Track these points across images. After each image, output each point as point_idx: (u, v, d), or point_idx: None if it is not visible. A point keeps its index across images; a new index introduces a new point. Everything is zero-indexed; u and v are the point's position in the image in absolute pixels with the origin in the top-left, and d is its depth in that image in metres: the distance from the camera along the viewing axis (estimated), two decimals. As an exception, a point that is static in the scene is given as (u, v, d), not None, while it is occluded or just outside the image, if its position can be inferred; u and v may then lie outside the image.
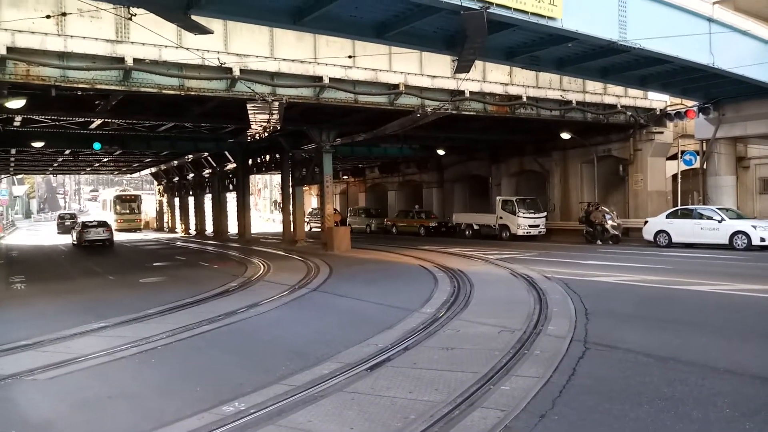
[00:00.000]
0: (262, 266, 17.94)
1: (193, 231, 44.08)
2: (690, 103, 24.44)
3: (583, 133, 26.93)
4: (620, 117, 24.83)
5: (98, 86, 14.41)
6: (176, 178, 47.66)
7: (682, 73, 19.01)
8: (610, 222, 23.50)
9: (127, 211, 52.66)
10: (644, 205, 26.08)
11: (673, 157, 26.27)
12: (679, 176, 25.26)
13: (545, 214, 27.91)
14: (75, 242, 32.55)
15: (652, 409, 5.09)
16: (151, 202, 61.25)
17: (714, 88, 21.60)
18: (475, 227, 29.77)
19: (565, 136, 26.63)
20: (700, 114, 23.64)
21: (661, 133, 25.90)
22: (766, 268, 14.87)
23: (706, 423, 4.78)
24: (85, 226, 32.47)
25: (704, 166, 24.87)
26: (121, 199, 53.92)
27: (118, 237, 41.39)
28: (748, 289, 11.18)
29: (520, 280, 13.23)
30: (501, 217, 27.85)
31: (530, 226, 26.95)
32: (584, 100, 23.00)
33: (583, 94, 22.81)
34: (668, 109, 25.63)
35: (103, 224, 33.06)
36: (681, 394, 5.44)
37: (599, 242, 23.44)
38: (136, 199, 54.40)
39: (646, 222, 22.36)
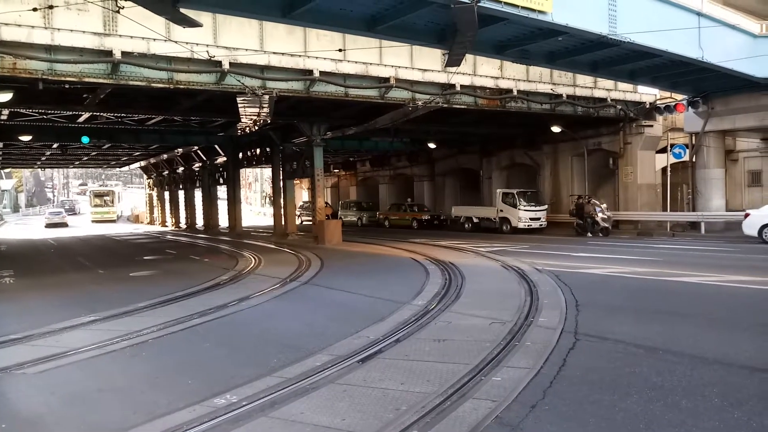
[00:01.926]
0: (253, 259, 17.91)
1: (183, 225, 43.93)
2: (679, 96, 24.56)
3: (573, 127, 27.02)
4: (610, 110, 24.94)
5: (86, 79, 14.29)
6: (166, 172, 47.43)
7: (671, 67, 19.09)
8: (600, 215, 23.62)
9: (102, 204, 59.59)
10: (634, 197, 26.27)
11: (663, 151, 26.43)
12: (669, 169, 25.42)
13: (546, 207, 27.69)
14: (45, 225, 50.06)
15: (641, 399, 5.13)
16: (140, 196, 64.01)
17: (703, 82, 21.72)
18: (475, 220, 29.47)
19: (556, 129, 26.69)
20: (690, 108, 23.74)
21: (651, 126, 26.06)
22: (757, 260, 15.02)
23: (695, 413, 4.82)
24: (50, 213, 54.19)
25: (693, 159, 25.04)
26: (95, 194, 61.92)
27: (107, 231, 41.48)
28: (738, 280, 11.29)
29: (511, 272, 13.28)
30: (501, 210, 27.58)
31: (531, 219, 26.68)
32: (574, 94, 23.08)
33: (574, 87, 22.88)
34: (658, 102, 25.76)
35: (60, 213, 54.88)
36: (670, 384, 5.49)
37: (589, 234, 23.57)
38: (109, 193, 62.07)
39: (747, 215, 19.76)
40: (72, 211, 73.55)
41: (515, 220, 26.77)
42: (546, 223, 27.24)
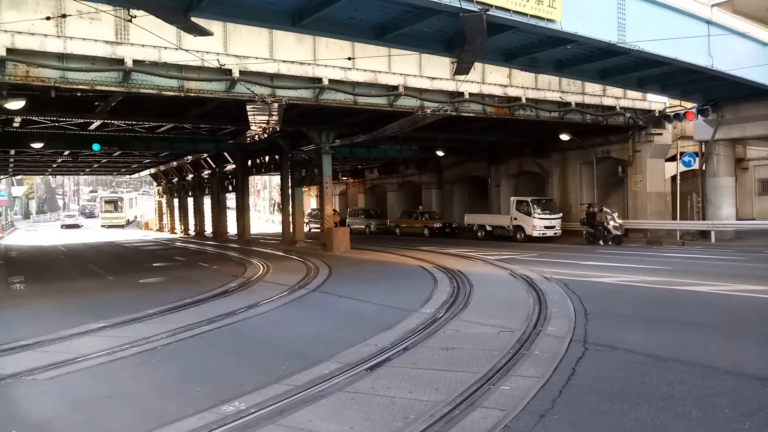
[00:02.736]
0: (261, 267, 17.95)
1: (192, 232, 44.09)
2: (689, 104, 24.48)
3: (582, 135, 26.94)
4: (619, 118, 24.85)
5: (98, 87, 14.39)
6: (175, 179, 47.65)
7: (680, 74, 19.04)
8: (612, 223, 23.50)
9: (112, 210, 64.24)
10: (643, 206, 26.11)
11: (672, 159, 26.30)
12: (678, 177, 25.29)
13: (560, 215, 27.31)
14: (61, 225, 60.81)
15: (651, 408, 5.10)
16: (150, 203, 66.74)
17: (713, 90, 21.64)
18: (488, 228, 29.08)
19: (564, 137, 26.59)
20: (699, 116, 23.65)
21: (660, 134, 25.92)
22: (765, 269, 14.90)
23: (706, 423, 4.79)
24: (65, 216, 66.53)
25: (703, 168, 24.92)
26: (106, 201, 66.78)
27: (117, 237, 41.75)
28: (747, 289, 11.20)
29: (520, 280, 13.24)
30: (515, 218, 27.20)
31: (546, 227, 26.33)
32: (583, 102, 23.01)
33: (582, 95, 22.82)
34: (667, 110, 25.66)
35: (74, 216, 66.77)
36: (680, 394, 5.46)
37: (601, 243, 23.45)
38: (118, 200, 66.81)
39: None
40: (91, 215, 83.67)
41: (529, 228, 26.43)
42: (560, 231, 26.85)
